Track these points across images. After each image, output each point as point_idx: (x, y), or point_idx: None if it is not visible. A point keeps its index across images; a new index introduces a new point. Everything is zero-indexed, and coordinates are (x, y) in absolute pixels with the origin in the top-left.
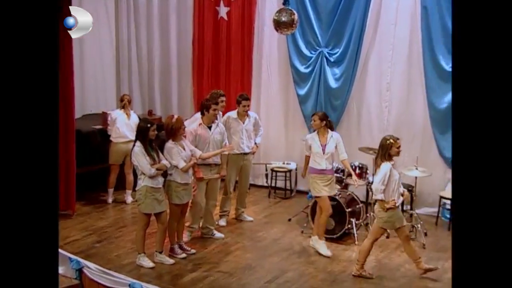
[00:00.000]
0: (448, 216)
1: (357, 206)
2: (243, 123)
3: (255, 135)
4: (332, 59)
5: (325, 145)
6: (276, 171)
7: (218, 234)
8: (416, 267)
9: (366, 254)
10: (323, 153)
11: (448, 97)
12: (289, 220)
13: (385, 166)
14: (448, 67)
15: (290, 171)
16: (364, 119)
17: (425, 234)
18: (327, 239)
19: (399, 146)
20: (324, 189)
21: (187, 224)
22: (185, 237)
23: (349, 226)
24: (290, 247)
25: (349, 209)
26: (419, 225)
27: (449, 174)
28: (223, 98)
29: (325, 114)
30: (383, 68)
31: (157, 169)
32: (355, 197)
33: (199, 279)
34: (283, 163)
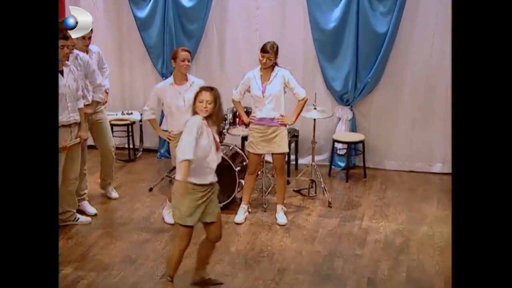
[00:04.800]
0: (341, 164)
1: (244, 163)
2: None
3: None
4: None
5: (266, 86)
6: (114, 125)
7: (83, 218)
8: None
9: None
10: (263, 95)
11: (336, 14)
12: (150, 190)
13: None
14: None
15: (133, 123)
16: (229, 48)
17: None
18: None
19: None
20: (255, 145)
21: None
22: None
23: (239, 189)
24: (169, 225)
25: (238, 168)
26: (321, 179)
27: (338, 112)
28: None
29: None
30: None
31: None
32: (238, 150)
33: (68, 285)
34: (122, 114)
